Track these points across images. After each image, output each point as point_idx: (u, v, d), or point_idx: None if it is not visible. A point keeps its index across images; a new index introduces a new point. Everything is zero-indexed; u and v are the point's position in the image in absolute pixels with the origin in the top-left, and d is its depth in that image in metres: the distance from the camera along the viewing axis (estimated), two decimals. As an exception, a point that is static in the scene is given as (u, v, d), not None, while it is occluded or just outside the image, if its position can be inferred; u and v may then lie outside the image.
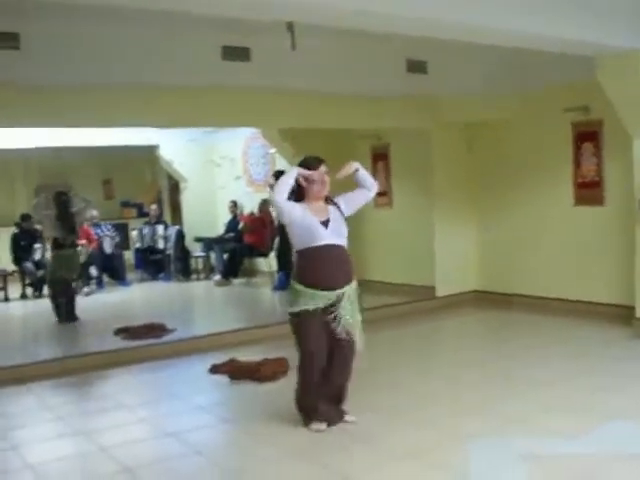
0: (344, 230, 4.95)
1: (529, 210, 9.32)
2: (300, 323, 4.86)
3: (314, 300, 4.79)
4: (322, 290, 4.79)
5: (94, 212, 13.01)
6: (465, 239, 10.14)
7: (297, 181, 4.91)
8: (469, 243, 10.18)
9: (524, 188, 9.35)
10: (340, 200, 5.06)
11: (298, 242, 4.89)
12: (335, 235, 4.87)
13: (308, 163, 4.95)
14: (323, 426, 4.96)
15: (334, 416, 5.03)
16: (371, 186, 5.16)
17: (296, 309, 4.83)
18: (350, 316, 4.88)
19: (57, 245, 9.66)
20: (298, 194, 4.96)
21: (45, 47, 6.27)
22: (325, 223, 4.85)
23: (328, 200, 5.02)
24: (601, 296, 8.47)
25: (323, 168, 4.93)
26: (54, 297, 9.72)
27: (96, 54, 6.53)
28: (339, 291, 4.83)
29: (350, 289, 4.91)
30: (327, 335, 4.87)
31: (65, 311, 9.63)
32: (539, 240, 9.23)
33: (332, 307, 4.82)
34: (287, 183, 4.82)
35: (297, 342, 4.95)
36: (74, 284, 10.08)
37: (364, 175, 5.16)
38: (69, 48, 6.40)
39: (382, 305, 9.41)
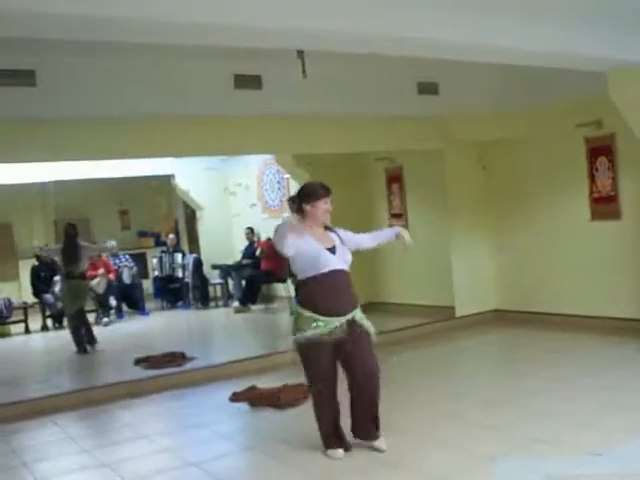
0: (349, 257, 4.94)
1: (545, 226, 9.29)
2: (309, 351, 4.81)
3: (324, 326, 4.75)
4: (333, 316, 4.76)
5: (113, 243, 13.11)
6: (482, 258, 10.12)
7: (300, 207, 4.92)
8: (487, 262, 10.16)
9: (539, 205, 9.33)
10: (340, 232, 5.05)
11: (304, 269, 4.82)
12: (342, 261, 4.86)
13: (315, 191, 4.92)
14: (340, 452, 4.94)
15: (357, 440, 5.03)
16: (376, 245, 5.34)
17: (306, 335, 4.77)
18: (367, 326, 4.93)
19: (64, 276, 9.81)
20: (302, 218, 4.95)
21: (60, 82, 6.37)
22: (332, 250, 4.85)
23: (327, 228, 5.00)
24: (621, 311, 8.40)
25: (330, 196, 4.93)
26: (72, 328, 9.83)
27: (110, 87, 6.61)
28: (348, 316, 4.82)
29: (358, 314, 4.91)
30: (337, 358, 4.87)
31: (83, 340, 9.74)
32: (557, 256, 9.19)
33: (345, 329, 4.80)
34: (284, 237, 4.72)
35: (305, 369, 4.94)
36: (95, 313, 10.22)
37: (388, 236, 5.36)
38: (84, 82, 6.49)
39: (402, 327, 9.40)
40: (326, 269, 4.76)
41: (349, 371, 4.89)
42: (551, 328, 8.86)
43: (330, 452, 4.94)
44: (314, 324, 4.73)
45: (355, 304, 4.91)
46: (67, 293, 9.84)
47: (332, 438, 4.97)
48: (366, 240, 5.29)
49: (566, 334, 8.50)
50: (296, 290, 4.93)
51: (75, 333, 9.76)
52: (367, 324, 4.94)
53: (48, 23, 3.99)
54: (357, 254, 5.06)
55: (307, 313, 4.77)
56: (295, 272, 4.93)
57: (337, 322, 4.76)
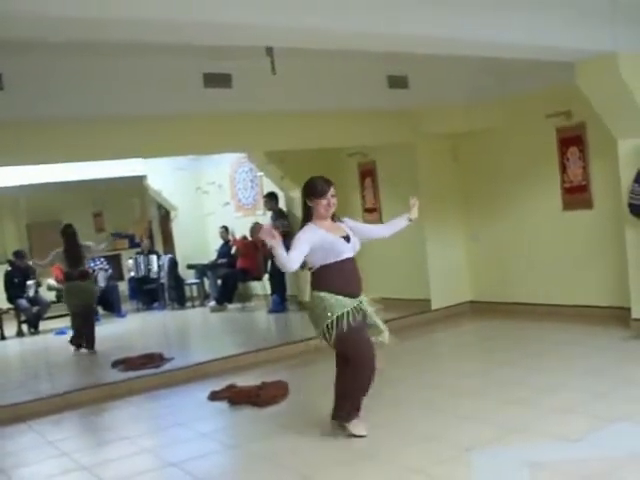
0: (358, 246, 5.16)
1: (519, 217, 9.36)
2: (352, 333, 4.93)
3: (345, 305, 4.92)
4: (348, 297, 4.96)
5: (103, 245, 12.99)
6: (457, 250, 10.16)
7: (306, 205, 5.08)
8: (461, 254, 10.21)
9: (512, 195, 9.39)
10: (349, 222, 5.27)
11: (320, 260, 4.97)
12: (352, 249, 5.09)
13: (315, 188, 5.05)
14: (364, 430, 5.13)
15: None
16: (390, 235, 5.58)
17: (335, 315, 4.89)
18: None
19: (67, 277, 9.72)
20: (308, 214, 5.09)
21: (27, 83, 6.29)
22: (346, 238, 5.05)
23: (335, 218, 5.16)
24: (596, 299, 8.49)
25: (332, 191, 5.05)
26: (76, 328, 9.83)
27: (79, 88, 6.54)
28: (360, 298, 5.06)
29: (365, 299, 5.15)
30: None
31: (86, 340, 9.73)
32: (530, 247, 9.26)
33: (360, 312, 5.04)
34: (282, 256, 4.77)
35: (354, 352, 5.02)
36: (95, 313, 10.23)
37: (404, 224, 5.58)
38: (52, 84, 6.42)
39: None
40: (342, 257, 4.98)
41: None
42: (526, 318, 8.93)
43: (358, 429, 5.13)
44: (340, 303, 4.91)
45: (362, 287, 5.15)
46: (70, 295, 9.74)
47: (357, 411, 5.16)
48: (378, 231, 5.65)
49: (541, 323, 8.58)
50: (312, 281, 5.03)
51: (76, 332, 9.80)
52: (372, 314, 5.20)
53: (14, 24, 3.95)
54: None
55: (330, 294, 4.92)
56: (311, 265, 5.05)
57: (355, 302, 4.99)
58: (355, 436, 5.09)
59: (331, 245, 4.94)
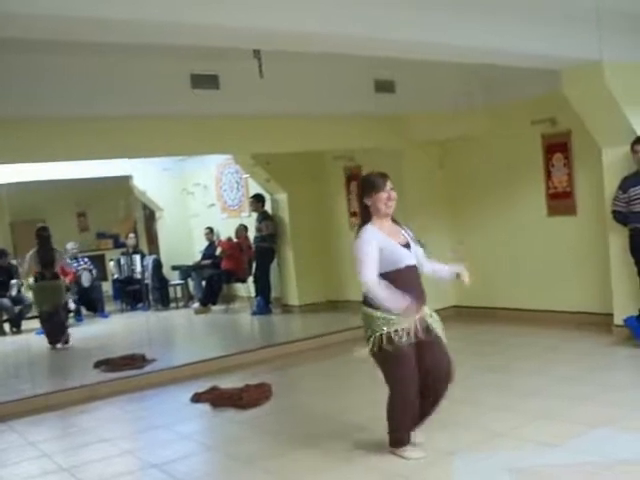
0: (420, 253, 4.90)
1: (503, 223, 9.39)
2: (397, 353, 4.56)
3: (399, 324, 4.56)
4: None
5: (71, 244, 12.97)
6: (441, 255, 10.11)
7: (364, 204, 4.76)
8: (445, 259, 10.18)
9: (497, 201, 9.42)
10: (409, 231, 4.95)
11: (379, 266, 4.59)
12: (414, 257, 4.77)
13: (373, 182, 4.72)
14: (417, 451, 4.75)
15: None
16: (429, 275, 5.20)
17: (385, 330, 4.54)
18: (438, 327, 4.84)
19: (38, 278, 9.90)
20: (366, 214, 4.78)
21: (14, 82, 6.25)
22: (407, 245, 4.73)
23: (395, 221, 4.88)
24: (579, 305, 8.52)
25: (389, 184, 4.73)
26: (44, 327, 10.07)
27: (66, 86, 6.51)
28: (421, 312, 4.72)
29: (429, 312, 4.84)
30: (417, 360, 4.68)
31: (55, 338, 9.93)
32: (515, 252, 9.29)
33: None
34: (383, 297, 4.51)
35: (389, 372, 4.68)
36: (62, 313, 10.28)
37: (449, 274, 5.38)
38: (37, 82, 6.38)
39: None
40: (402, 265, 4.63)
41: (420, 371, 4.70)
42: (510, 323, 8.96)
43: (408, 453, 4.72)
44: (394, 322, 4.55)
45: (425, 299, 4.81)
46: (41, 293, 10.03)
47: (408, 438, 4.78)
48: (425, 265, 5.14)
49: (526, 329, 8.60)
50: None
51: (47, 325, 10.01)
52: (437, 325, 4.89)
53: (8, 24, 3.94)
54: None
55: (384, 314, 4.56)
56: None
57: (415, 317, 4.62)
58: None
59: (391, 251, 4.59)
